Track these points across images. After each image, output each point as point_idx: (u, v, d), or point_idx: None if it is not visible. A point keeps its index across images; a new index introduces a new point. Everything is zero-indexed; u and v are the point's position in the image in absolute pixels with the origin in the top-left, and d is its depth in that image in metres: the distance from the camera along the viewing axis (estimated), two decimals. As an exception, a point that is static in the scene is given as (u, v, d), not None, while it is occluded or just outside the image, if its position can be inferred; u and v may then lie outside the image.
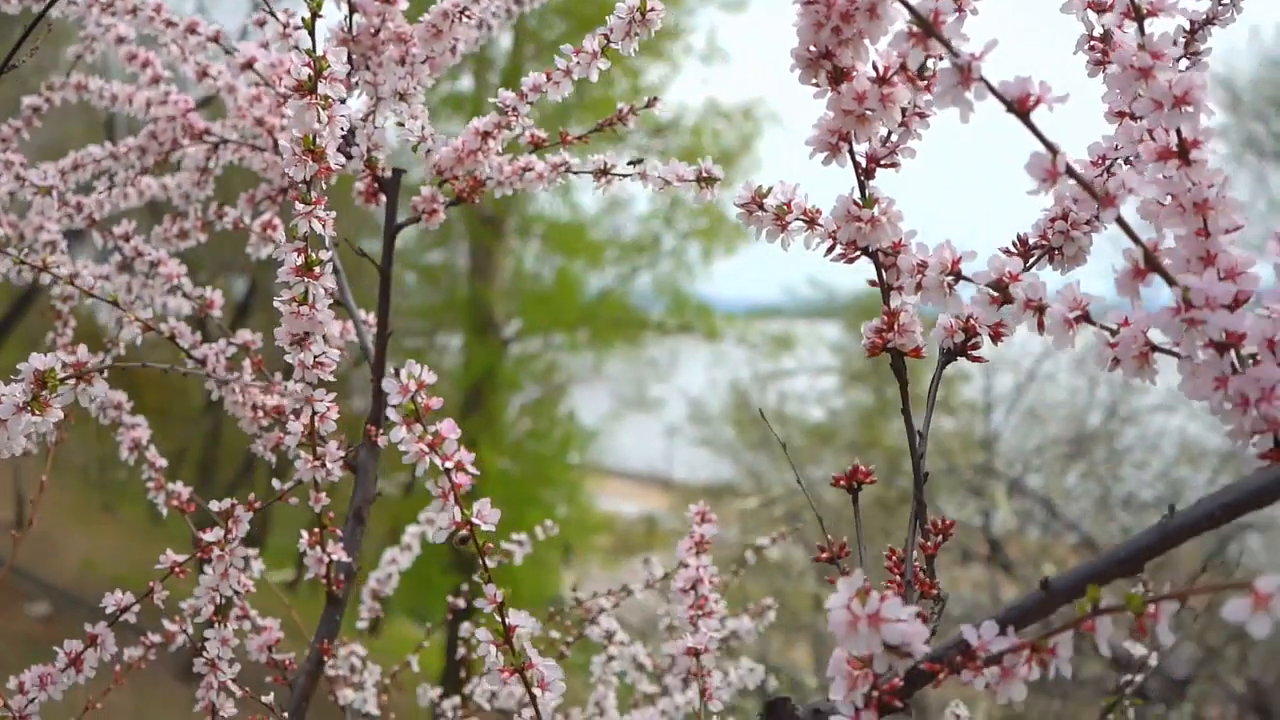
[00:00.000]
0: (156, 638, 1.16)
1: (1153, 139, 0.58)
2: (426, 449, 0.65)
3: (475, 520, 0.66)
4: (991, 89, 0.53)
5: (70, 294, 1.33)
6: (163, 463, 1.15)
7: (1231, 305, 0.56)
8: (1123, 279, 0.55)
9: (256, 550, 1.24)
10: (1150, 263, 0.54)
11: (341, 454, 0.95)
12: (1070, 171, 0.53)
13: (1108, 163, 0.72)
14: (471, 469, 0.66)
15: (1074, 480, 7.14)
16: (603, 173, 0.98)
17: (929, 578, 0.65)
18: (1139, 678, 1.13)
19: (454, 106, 8.92)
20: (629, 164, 0.97)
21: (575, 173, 1.00)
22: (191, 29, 1.15)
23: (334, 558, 1.01)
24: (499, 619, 0.68)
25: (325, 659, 1.03)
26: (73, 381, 0.68)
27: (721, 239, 12.29)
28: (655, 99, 1.04)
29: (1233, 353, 0.55)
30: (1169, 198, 0.57)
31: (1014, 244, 0.72)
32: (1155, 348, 0.57)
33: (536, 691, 0.68)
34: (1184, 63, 0.74)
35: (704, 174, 0.88)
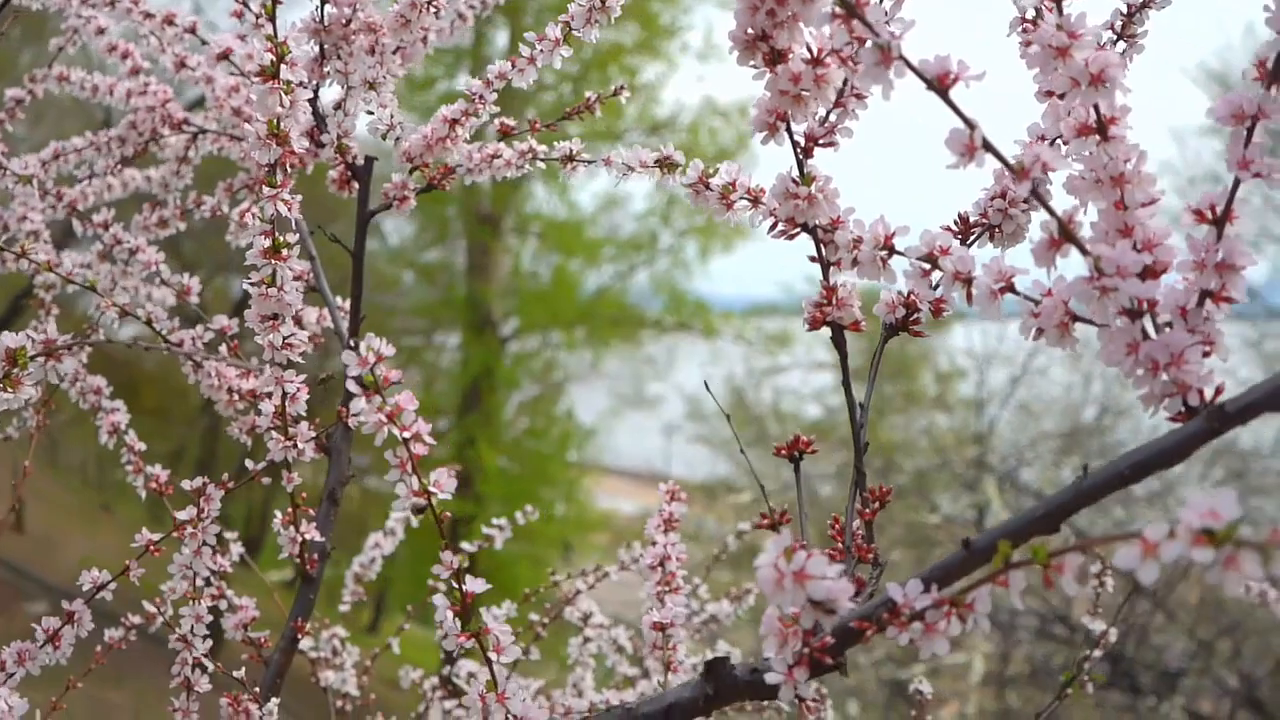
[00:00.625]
0: (136, 619, 1.18)
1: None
2: (385, 419, 0.67)
3: (432, 489, 0.68)
4: (911, 67, 0.55)
5: (52, 283, 1.35)
6: (141, 446, 1.17)
7: (1145, 274, 0.58)
8: (1039, 249, 0.58)
9: (232, 537, 1.26)
10: (1065, 234, 0.56)
11: (313, 435, 0.97)
12: (987, 146, 0.55)
13: (1046, 143, 0.75)
14: (428, 439, 0.68)
15: (1068, 474, 7.17)
16: (568, 159, 1.00)
17: (868, 543, 0.67)
18: (1097, 653, 1.15)
19: (450, 103, 8.95)
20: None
21: (542, 160, 1.02)
22: (169, 20, 1.18)
23: (307, 537, 1.04)
24: (456, 586, 0.70)
25: (299, 636, 1.06)
26: (42, 359, 0.71)
27: (719, 237, 12.32)
28: (622, 87, 1.07)
29: (1148, 320, 0.58)
30: (1090, 172, 0.60)
31: (955, 222, 0.75)
32: (1076, 317, 0.59)
33: (492, 655, 0.70)
34: (1121, 45, 0.77)
35: (664, 160, 0.90)
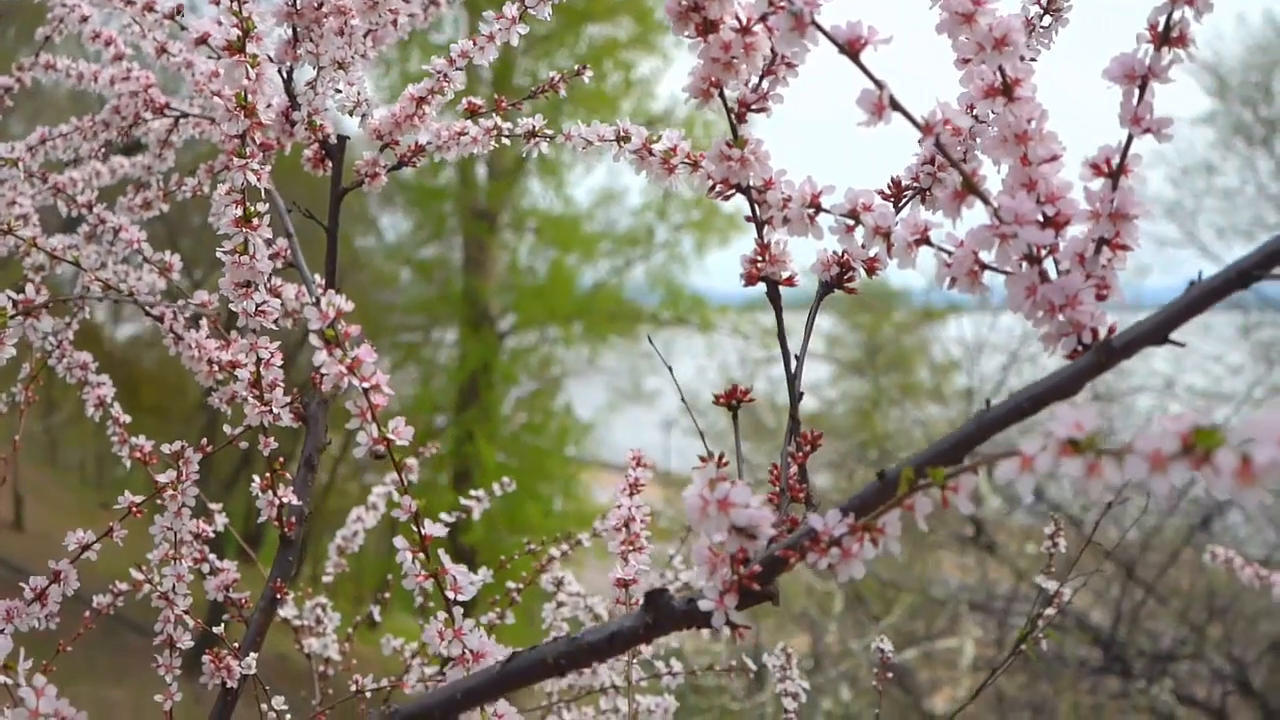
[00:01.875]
0: (124, 586, 1.22)
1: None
2: (346, 371, 0.71)
3: (391, 436, 0.73)
4: (824, 32, 0.59)
5: (41, 264, 1.39)
6: (126, 419, 1.21)
7: (1050, 224, 0.62)
8: (946, 201, 0.62)
9: (217, 508, 1.30)
10: (968, 185, 0.61)
11: (288, 400, 1.01)
12: (895, 105, 0.60)
13: (975, 110, 0.79)
14: (388, 390, 0.72)
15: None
16: (531, 135, 1.04)
17: (801, 483, 0.71)
18: (1050, 610, 1.20)
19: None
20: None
21: (507, 136, 1.06)
22: (149, 7, 1.22)
23: (285, 501, 1.08)
24: (415, 529, 0.75)
25: (279, 597, 1.10)
26: (21, 317, 0.75)
27: (715, 231, 12.35)
28: (585, 68, 1.11)
29: (1051, 265, 0.62)
30: (997, 131, 0.64)
31: (888, 185, 0.79)
32: (984, 265, 0.64)
33: (450, 594, 0.74)
34: (1046, 18, 0.81)
35: (622, 133, 0.95)
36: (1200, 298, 0.55)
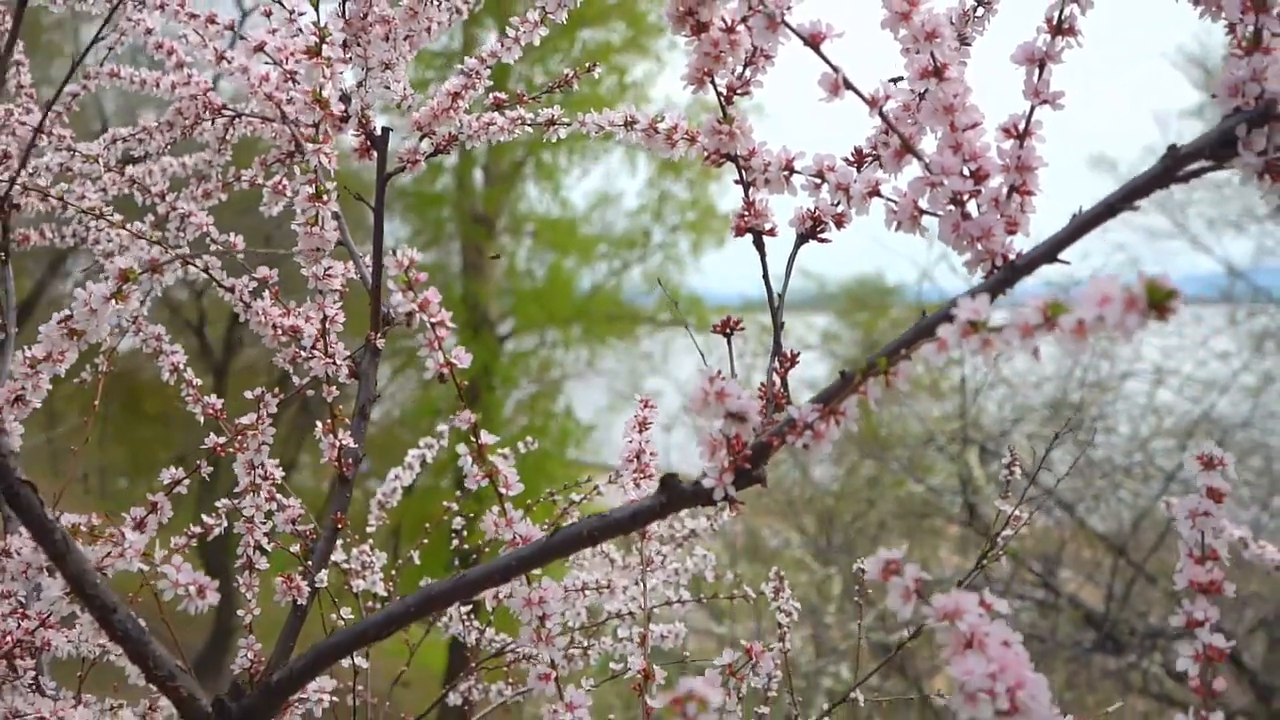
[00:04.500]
0: (196, 529, 1.39)
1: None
2: (418, 309, 0.89)
3: (453, 360, 0.90)
4: (791, 29, 0.77)
5: (111, 250, 1.57)
6: (198, 381, 1.38)
7: (974, 177, 0.80)
8: (888, 159, 0.79)
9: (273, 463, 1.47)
10: (905, 147, 0.78)
11: (348, 353, 1.19)
12: (848, 84, 0.77)
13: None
14: (450, 324, 0.90)
15: (1055, 451, 7.41)
16: (551, 123, 1.22)
17: (782, 390, 0.88)
18: (1009, 533, 1.36)
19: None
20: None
21: (529, 125, 1.24)
22: (211, 20, 1.39)
23: (344, 444, 1.25)
24: (474, 439, 0.92)
25: (340, 527, 1.27)
26: (148, 274, 0.92)
27: (711, 232, 12.53)
28: (594, 65, 1.28)
29: (974, 208, 0.79)
30: (930, 104, 0.81)
31: (852, 153, 0.96)
32: (922, 210, 0.81)
33: (502, 490, 0.92)
34: (980, 10, 0.98)
35: (629, 119, 1.12)
36: (1081, 225, 0.72)
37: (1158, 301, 0.52)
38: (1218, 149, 0.69)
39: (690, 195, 12.60)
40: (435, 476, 10.94)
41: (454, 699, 1.69)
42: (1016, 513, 1.36)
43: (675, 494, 0.84)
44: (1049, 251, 0.74)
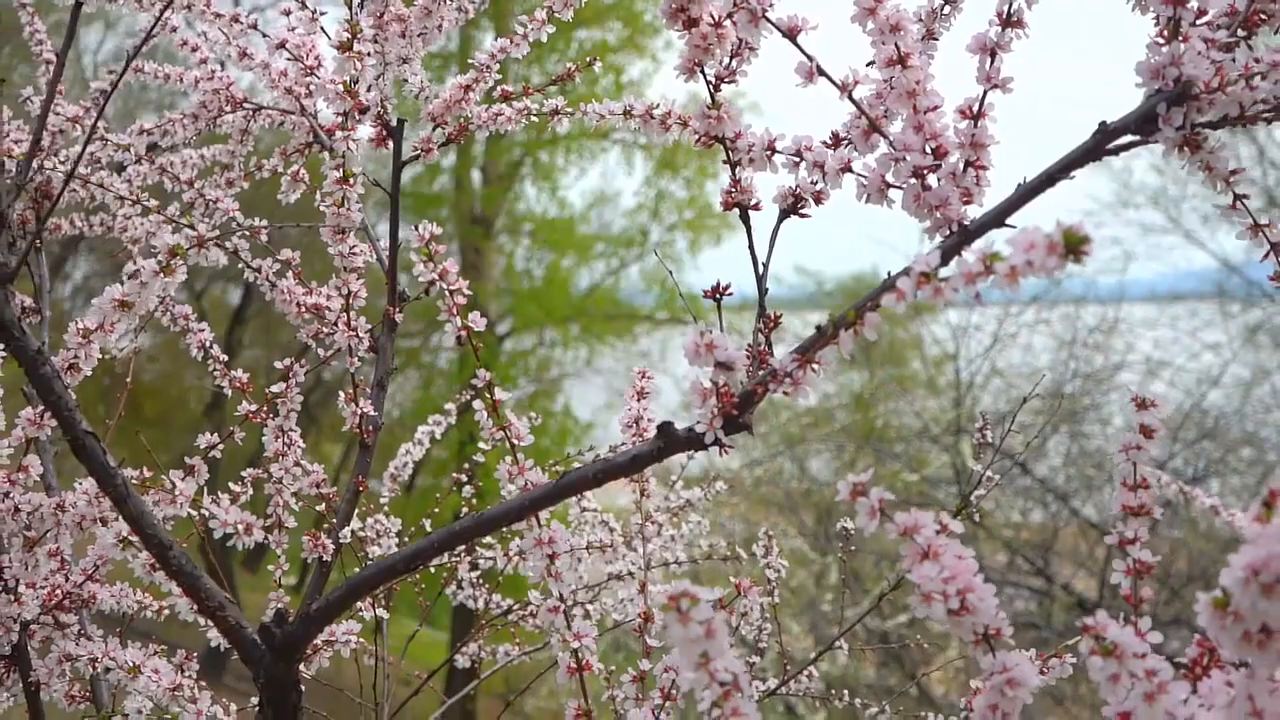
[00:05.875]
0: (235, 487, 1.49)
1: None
2: (438, 277, 0.99)
3: (470, 324, 1.00)
4: (771, 23, 0.87)
5: (138, 237, 1.66)
6: (224, 357, 1.48)
7: (935, 154, 0.90)
8: (858, 138, 0.89)
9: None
10: (872, 126, 0.88)
11: (370, 327, 1.29)
12: (820, 71, 0.87)
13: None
14: (467, 292, 1.00)
15: (1050, 442, 7.53)
16: (555, 113, 1.32)
17: (766, 348, 0.98)
18: (981, 491, 1.46)
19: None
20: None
21: (535, 115, 1.34)
22: (235, 19, 1.49)
23: (365, 412, 1.35)
24: (489, 396, 1.02)
25: (361, 490, 1.37)
26: (195, 249, 1.02)
27: (708, 230, 12.63)
28: (594, 59, 1.38)
29: (934, 180, 0.89)
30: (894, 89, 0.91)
31: (829, 136, 1.06)
32: (888, 183, 0.91)
33: (514, 440, 1.01)
34: (947, 7, 1.08)
35: (627, 109, 1.22)
36: (1025, 193, 0.82)
37: (1073, 245, 0.62)
38: (1142, 125, 0.79)
39: (687, 194, 12.71)
40: (435, 475, 11.04)
41: (461, 661, 1.79)
42: (989, 474, 1.46)
43: (671, 439, 0.94)
44: (998, 217, 0.84)
